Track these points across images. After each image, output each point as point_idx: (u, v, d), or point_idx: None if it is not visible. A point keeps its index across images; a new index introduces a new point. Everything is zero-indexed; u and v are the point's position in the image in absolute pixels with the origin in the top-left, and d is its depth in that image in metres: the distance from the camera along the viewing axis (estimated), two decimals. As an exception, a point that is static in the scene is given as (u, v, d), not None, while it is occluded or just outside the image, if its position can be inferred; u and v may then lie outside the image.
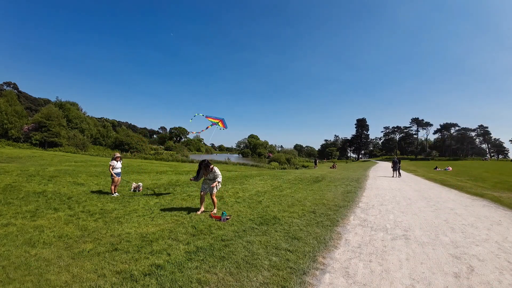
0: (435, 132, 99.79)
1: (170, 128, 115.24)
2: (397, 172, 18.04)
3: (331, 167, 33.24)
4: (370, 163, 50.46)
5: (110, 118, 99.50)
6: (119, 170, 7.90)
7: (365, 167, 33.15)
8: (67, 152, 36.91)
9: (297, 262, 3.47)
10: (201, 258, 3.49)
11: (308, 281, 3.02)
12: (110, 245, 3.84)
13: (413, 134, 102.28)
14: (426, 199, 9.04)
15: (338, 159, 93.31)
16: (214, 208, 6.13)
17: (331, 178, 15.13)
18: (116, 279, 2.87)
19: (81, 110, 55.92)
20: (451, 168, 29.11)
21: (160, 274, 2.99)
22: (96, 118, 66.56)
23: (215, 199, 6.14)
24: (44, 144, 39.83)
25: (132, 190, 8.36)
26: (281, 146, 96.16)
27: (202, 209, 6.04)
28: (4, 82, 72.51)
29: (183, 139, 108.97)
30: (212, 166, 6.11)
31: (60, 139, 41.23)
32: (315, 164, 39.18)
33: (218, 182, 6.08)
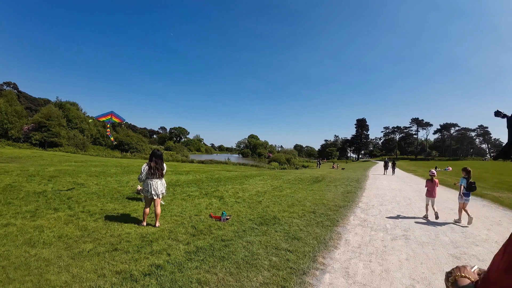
0: (435, 132, 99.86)
1: (170, 128, 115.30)
2: (390, 170, 21.99)
3: (331, 168, 33.21)
4: (370, 163, 50.44)
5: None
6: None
7: (365, 167, 33.13)
8: (67, 152, 36.90)
9: (297, 262, 3.47)
10: (201, 258, 3.49)
11: (308, 281, 3.02)
12: (110, 245, 3.84)
13: (413, 134, 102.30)
14: (426, 199, 9.04)
15: (338, 159, 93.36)
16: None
17: (331, 178, 15.13)
18: (116, 279, 2.86)
19: (81, 110, 55.90)
20: (451, 168, 29.10)
21: (160, 274, 2.99)
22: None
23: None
24: (44, 144, 39.82)
25: (136, 192, 8.33)
26: (281, 146, 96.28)
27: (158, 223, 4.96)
28: (4, 82, 72.50)
29: (183, 139, 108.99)
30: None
31: (60, 139, 41.22)
32: (319, 164, 39.25)
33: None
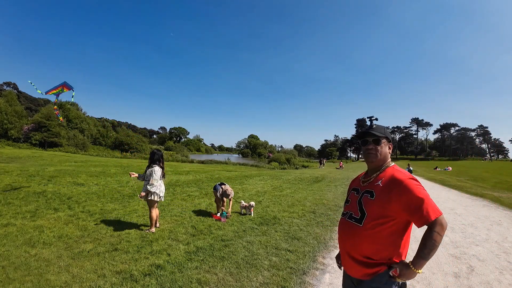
0: (435, 132, 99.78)
1: (170, 128, 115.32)
2: None
3: (337, 168, 32.89)
4: (370, 163, 50.31)
5: (110, 118, 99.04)
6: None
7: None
8: (67, 152, 36.89)
9: (297, 262, 3.47)
10: (201, 258, 3.49)
11: (308, 281, 3.02)
12: (110, 245, 3.84)
13: (413, 134, 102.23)
14: (426, 199, 9.04)
15: (338, 159, 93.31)
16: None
17: (331, 178, 15.13)
18: (116, 279, 2.86)
19: (81, 110, 55.85)
20: (451, 168, 29.11)
21: (160, 274, 2.99)
22: (96, 118, 66.43)
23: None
24: (44, 144, 39.80)
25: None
26: (281, 146, 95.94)
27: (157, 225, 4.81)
28: (4, 82, 72.50)
29: (183, 139, 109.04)
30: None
31: (60, 139, 41.18)
32: (320, 164, 38.08)
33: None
